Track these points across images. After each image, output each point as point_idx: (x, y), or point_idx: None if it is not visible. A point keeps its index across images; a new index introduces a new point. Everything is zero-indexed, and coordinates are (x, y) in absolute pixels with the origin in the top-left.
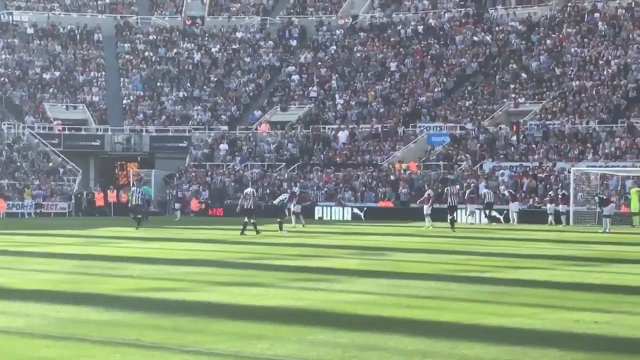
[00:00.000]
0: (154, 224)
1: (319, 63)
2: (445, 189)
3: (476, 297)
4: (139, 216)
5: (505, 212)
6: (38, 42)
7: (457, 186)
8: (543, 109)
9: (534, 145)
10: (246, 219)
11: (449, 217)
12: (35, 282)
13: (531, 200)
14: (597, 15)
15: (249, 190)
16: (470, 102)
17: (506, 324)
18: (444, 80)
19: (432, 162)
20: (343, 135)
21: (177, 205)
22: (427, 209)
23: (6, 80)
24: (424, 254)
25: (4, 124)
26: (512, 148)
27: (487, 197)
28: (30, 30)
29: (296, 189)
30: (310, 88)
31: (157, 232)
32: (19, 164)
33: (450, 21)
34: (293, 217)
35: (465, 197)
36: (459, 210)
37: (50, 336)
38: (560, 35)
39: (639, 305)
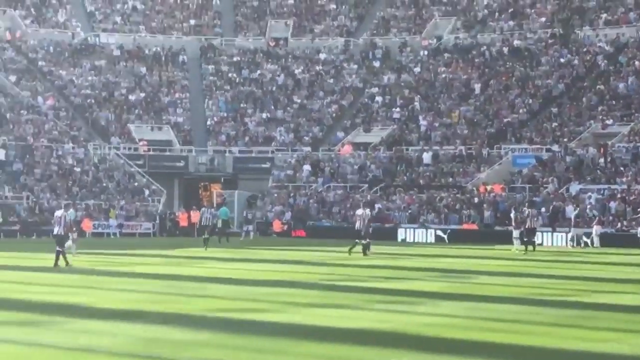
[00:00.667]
0: (236, 244)
1: (402, 84)
2: (526, 211)
3: (561, 322)
4: (206, 237)
5: (591, 236)
6: (124, 63)
7: (543, 209)
8: (631, 130)
9: (622, 168)
10: (357, 240)
11: (527, 239)
12: (120, 301)
13: (619, 223)
14: None
15: (359, 211)
16: (556, 123)
17: (592, 349)
18: (530, 101)
19: (517, 184)
20: (427, 157)
21: (245, 227)
22: (515, 232)
23: (93, 101)
24: (509, 277)
25: (91, 145)
26: (599, 170)
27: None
28: (116, 52)
29: (377, 205)
30: (394, 109)
31: (240, 252)
32: (105, 184)
33: (536, 42)
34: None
35: (573, 221)
36: (545, 234)
37: (136, 355)
38: None
39: None
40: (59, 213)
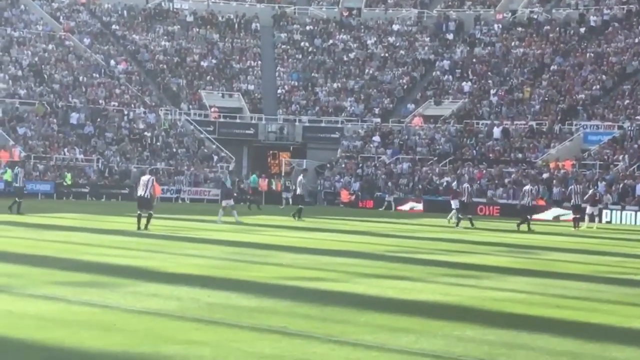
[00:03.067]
0: (305, 213)
1: (475, 58)
2: (570, 187)
3: (629, 300)
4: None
5: None
6: (197, 30)
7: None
8: None
9: None
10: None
11: (573, 216)
12: (187, 266)
13: None
14: None
15: (527, 187)
16: (629, 100)
17: None
18: (603, 78)
19: (587, 161)
20: (497, 131)
21: (284, 194)
22: (589, 209)
23: (165, 66)
24: (577, 254)
25: (162, 110)
26: None
27: None
28: (189, 18)
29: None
30: (465, 83)
31: (307, 222)
32: (174, 149)
33: (611, 18)
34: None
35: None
36: (614, 212)
37: (201, 320)
38: None
39: None
40: (145, 177)
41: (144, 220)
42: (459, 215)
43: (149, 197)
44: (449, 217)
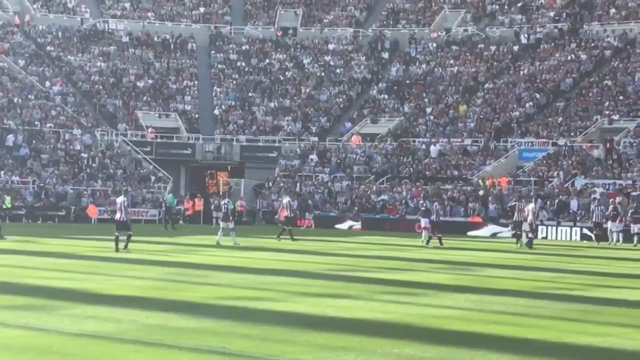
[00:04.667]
0: (243, 233)
1: (410, 76)
2: (514, 205)
3: (565, 315)
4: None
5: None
6: (133, 50)
7: (531, 204)
8: (638, 126)
9: (627, 163)
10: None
11: (515, 232)
12: (125, 288)
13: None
14: None
15: (530, 206)
16: (563, 118)
17: (595, 343)
18: (537, 96)
19: (522, 177)
20: (433, 149)
21: (214, 214)
22: (525, 225)
23: (101, 87)
24: (514, 271)
25: (98, 131)
26: (605, 165)
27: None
28: (125, 39)
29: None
30: (401, 101)
31: (245, 241)
32: (111, 170)
33: (544, 37)
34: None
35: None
36: (550, 228)
37: (139, 342)
38: None
39: None
40: (119, 199)
41: (121, 242)
42: (429, 234)
43: (124, 219)
44: (423, 237)
